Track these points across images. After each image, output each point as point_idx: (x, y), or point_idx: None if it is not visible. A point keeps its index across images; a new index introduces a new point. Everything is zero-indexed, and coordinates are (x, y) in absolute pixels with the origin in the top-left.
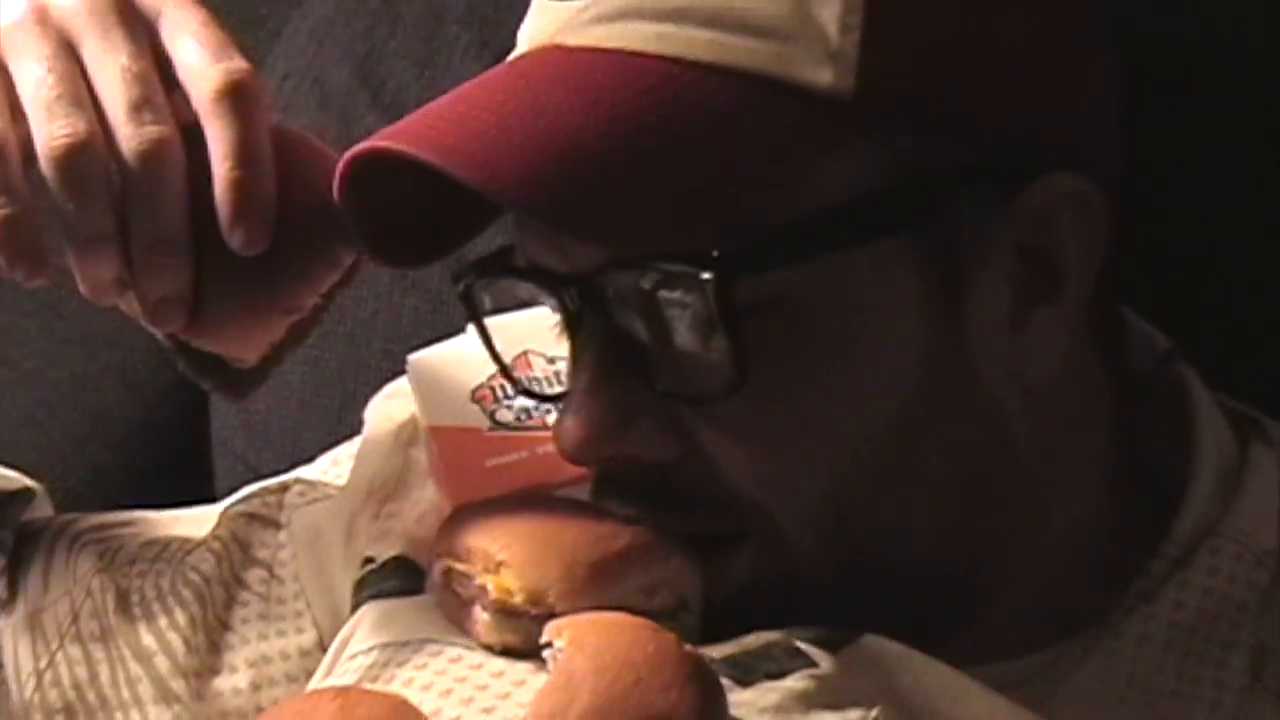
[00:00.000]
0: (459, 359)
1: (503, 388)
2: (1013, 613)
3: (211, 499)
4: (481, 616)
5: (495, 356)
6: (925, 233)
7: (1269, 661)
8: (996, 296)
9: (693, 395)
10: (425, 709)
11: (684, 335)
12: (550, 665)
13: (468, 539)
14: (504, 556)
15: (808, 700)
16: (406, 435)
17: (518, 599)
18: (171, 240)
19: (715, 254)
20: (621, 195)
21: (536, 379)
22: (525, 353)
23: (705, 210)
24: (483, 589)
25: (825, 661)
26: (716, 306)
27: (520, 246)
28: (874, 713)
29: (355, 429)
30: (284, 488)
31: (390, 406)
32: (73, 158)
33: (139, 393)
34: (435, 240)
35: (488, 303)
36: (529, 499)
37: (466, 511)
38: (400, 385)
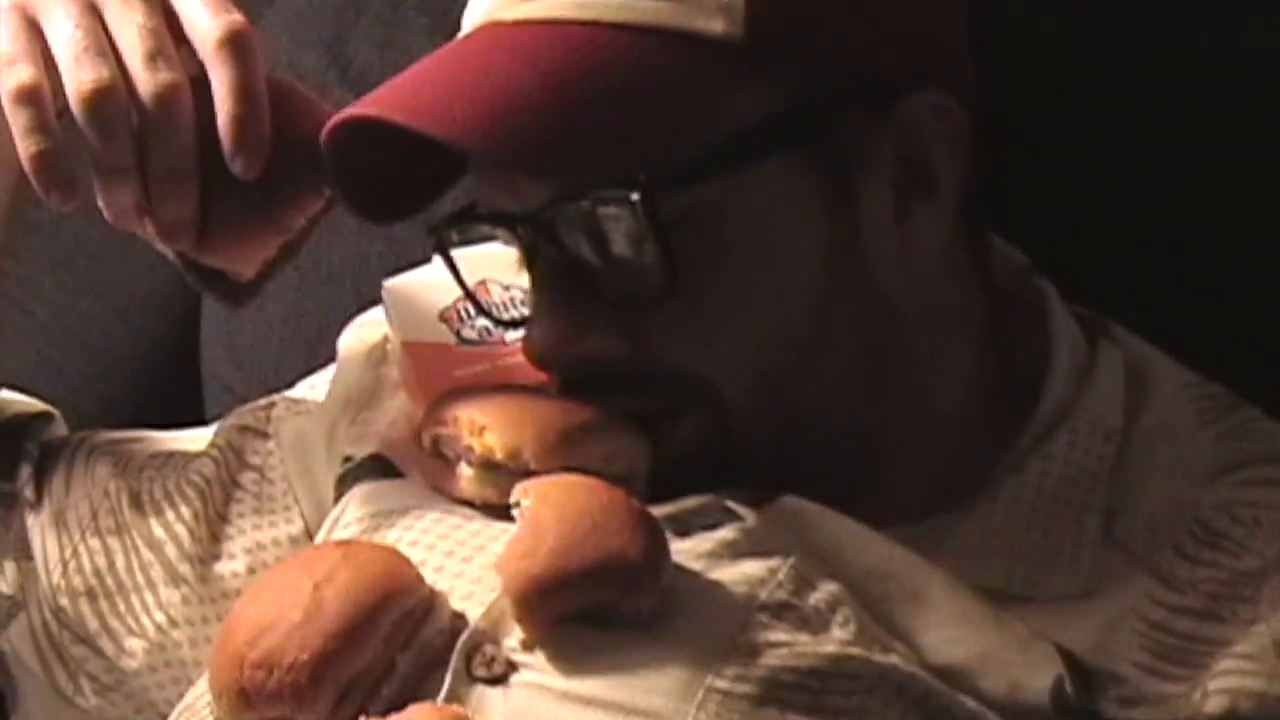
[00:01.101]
0: (428, 285)
1: (466, 310)
2: (905, 482)
3: (203, 425)
4: (465, 473)
5: (461, 283)
6: (815, 149)
7: (1117, 521)
8: (881, 198)
9: (635, 299)
10: (413, 560)
11: (622, 251)
12: (519, 520)
13: (454, 410)
14: (486, 422)
15: (735, 548)
16: (377, 356)
17: (499, 455)
18: (182, 170)
19: (641, 178)
20: (559, 137)
21: (495, 304)
22: (484, 281)
23: (629, 144)
24: (469, 448)
25: (751, 517)
26: (645, 221)
27: (480, 197)
28: (790, 560)
29: (329, 360)
30: (271, 405)
31: (362, 332)
32: (98, 101)
33: (139, 336)
34: (404, 201)
35: (455, 238)
36: (503, 385)
37: (449, 394)
38: (371, 315)
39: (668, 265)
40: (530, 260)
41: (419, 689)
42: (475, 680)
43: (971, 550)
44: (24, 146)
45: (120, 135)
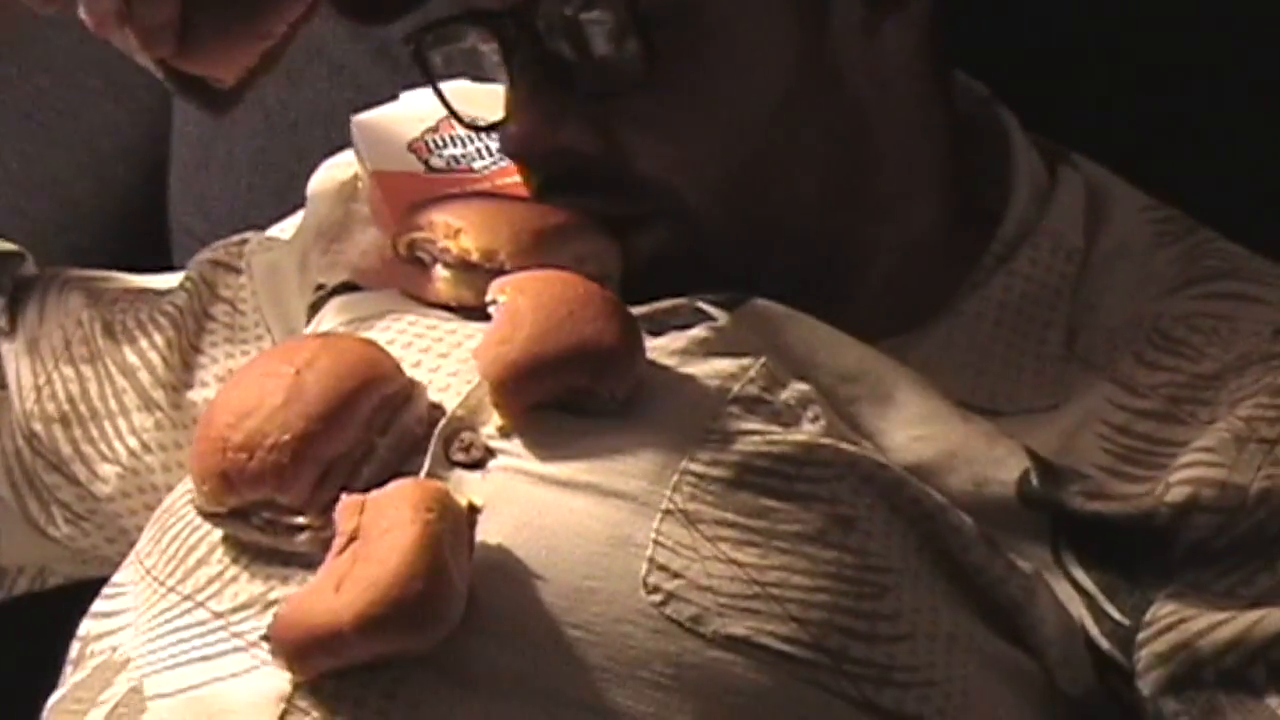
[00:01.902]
0: (396, 118)
1: (434, 140)
2: (872, 297)
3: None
4: (442, 274)
5: (444, 101)
6: None
7: (1079, 336)
8: (851, 8)
9: (611, 92)
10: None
11: (600, 47)
12: (495, 313)
13: (430, 215)
14: (461, 225)
15: (707, 346)
16: (348, 192)
17: (474, 256)
18: None
19: None
20: None
21: (460, 136)
22: (446, 118)
23: None
24: (445, 250)
25: (723, 318)
26: (625, 11)
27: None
28: (762, 359)
29: (298, 208)
30: (243, 241)
31: (333, 171)
32: None
33: (109, 186)
34: (386, 5)
35: (438, 62)
36: (478, 192)
37: (425, 202)
38: (341, 157)
39: (647, 56)
40: (508, 56)
41: (398, 475)
42: (454, 465)
43: (936, 364)
44: None
45: None
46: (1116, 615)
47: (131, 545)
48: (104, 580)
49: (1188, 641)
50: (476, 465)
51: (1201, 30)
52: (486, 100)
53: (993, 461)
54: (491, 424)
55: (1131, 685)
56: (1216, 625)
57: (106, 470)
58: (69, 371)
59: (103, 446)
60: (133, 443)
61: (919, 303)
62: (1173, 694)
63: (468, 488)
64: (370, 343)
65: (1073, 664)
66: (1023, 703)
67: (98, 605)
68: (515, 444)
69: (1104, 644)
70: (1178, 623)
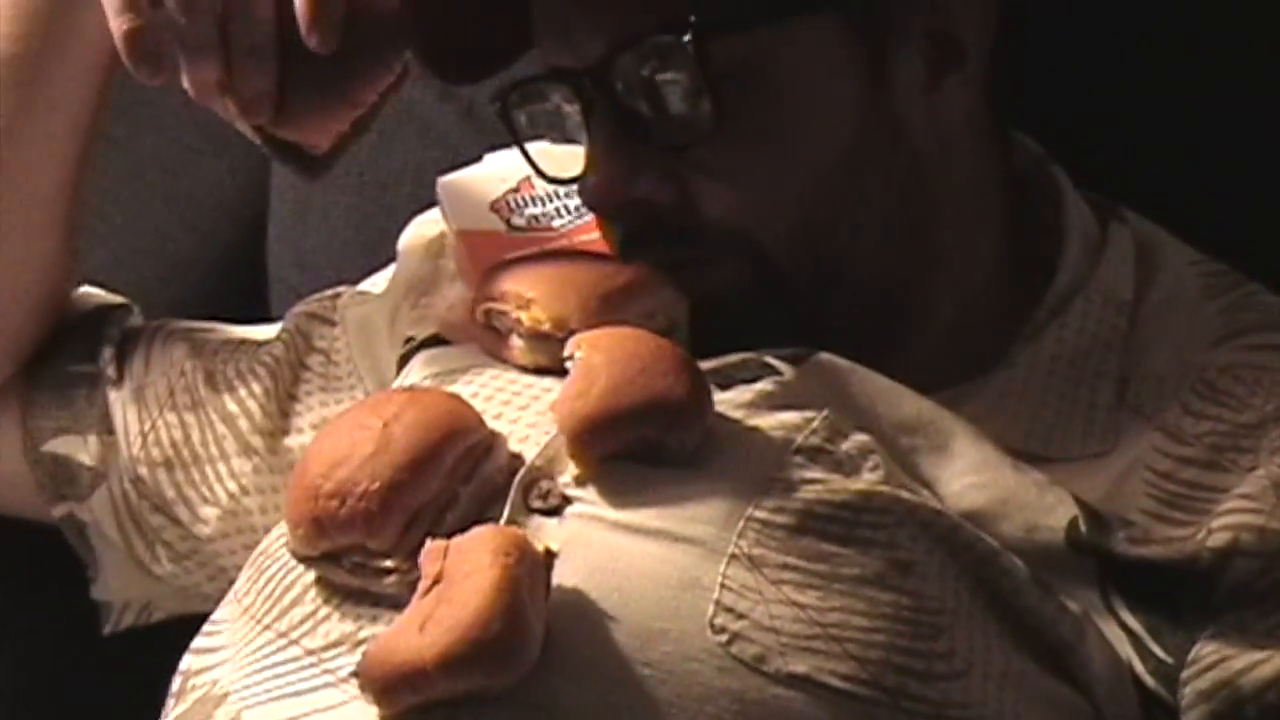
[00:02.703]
0: (479, 179)
1: (515, 200)
2: (930, 346)
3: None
4: (517, 343)
5: (528, 158)
6: (851, 16)
7: (1129, 385)
8: (912, 67)
9: (684, 143)
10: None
11: (673, 101)
12: (572, 369)
13: (502, 285)
14: (532, 295)
15: (773, 399)
16: (435, 248)
17: (546, 326)
18: (262, 47)
19: (692, 19)
20: None
21: (539, 196)
22: (528, 177)
23: None
24: (518, 321)
25: (788, 372)
26: (695, 65)
27: (542, 55)
28: (825, 411)
29: (389, 262)
30: (337, 295)
31: (422, 228)
32: None
33: (211, 241)
34: (475, 66)
35: (523, 121)
36: (545, 254)
37: (497, 269)
38: (430, 214)
39: (715, 111)
40: (587, 113)
41: (480, 520)
42: (532, 512)
43: (991, 414)
44: (116, 25)
45: (204, 13)
46: (1161, 654)
47: (231, 584)
48: (205, 616)
49: (1230, 679)
50: (553, 512)
51: (1245, 93)
52: (566, 160)
53: (1043, 509)
54: (568, 473)
55: (1175, 718)
56: (1257, 664)
57: (207, 512)
58: (172, 418)
59: (204, 490)
60: (232, 486)
61: (975, 354)
62: None
63: (545, 533)
64: (455, 396)
65: (1120, 701)
66: None
67: (198, 641)
68: (590, 492)
69: (1150, 681)
70: (1220, 661)
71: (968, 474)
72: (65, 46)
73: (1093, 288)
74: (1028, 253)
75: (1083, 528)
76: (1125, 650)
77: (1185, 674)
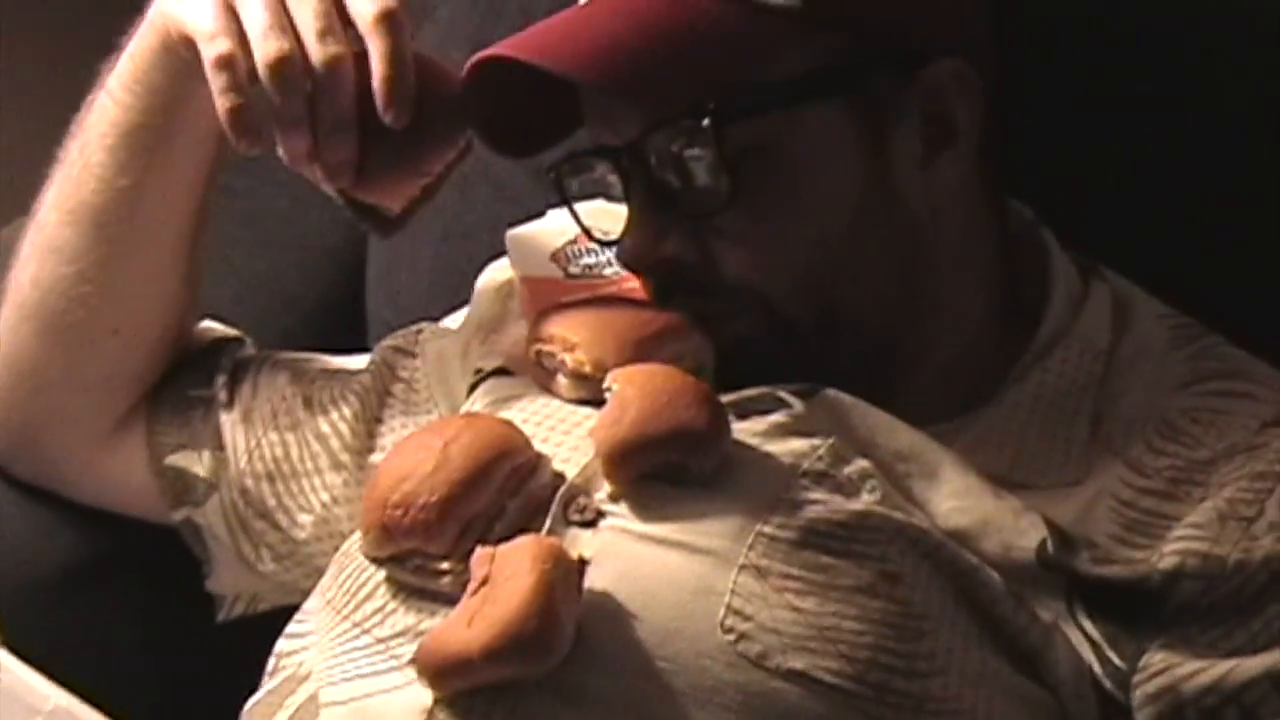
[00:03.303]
0: (542, 232)
1: (572, 251)
2: (925, 387)
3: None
4: (563, 381)
5: (571, 210)
6: (855, 101)
7: (1102, 425)
8: (909, 145)
9: (706, 212)
10: (524, 432)
11: (697, 176)
12: (609, 400)
13: (551, 329)
14: (576, 339)
15: (784, 429)
16: (505, 291)
17: (587, 368)
18: (345, 122)
19: (710, 106)
20: (651, 74)
21: (593, 248)
22: (578, 236)
23: (702, 79)
24: (563, 363)
25: (798, 405)
26: (713, 145)
27: (589, 135)
28: (830, 440)
29: (468, 301)
30: (419, 330)
31: (494, 273)
32: (280, 68)
33: (317, 281)
34: (529, 142)
35: (575, 189)
36: (591, 300)
37: (547, 313)
38: (501, 262)
39: (731, 184)
40: (625, 183)
41: (525, 530)
42: (570, 524)
43: (980, 444)
44: (220, 103)
45: (296, 94)
46: (1117, 660)
47: None
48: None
49: (1174, 685)
50: (589, 524)
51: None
52: (621, 217)
53: (1018, 531)
54: (603, 490)
55: (1128, 718)
56: (1198, 672)
57: (304, 519)
58: (275, 437)
59: (301, 500)
60: (325, 497)
61: (966, 393)
62: None
63: (581, 543)
64: (506, 422)
65: (1081, 699)
66: None
67: (290, 628)
68: (622, 507)
69: (1107, 684)
70: (1166, 669)
71: (953, 498)
72: (183, 119)
73: (1073, 337)
74: (1017, 304)
75: (1051, 549)
76: (1087, 655)
77: (1136, 678)
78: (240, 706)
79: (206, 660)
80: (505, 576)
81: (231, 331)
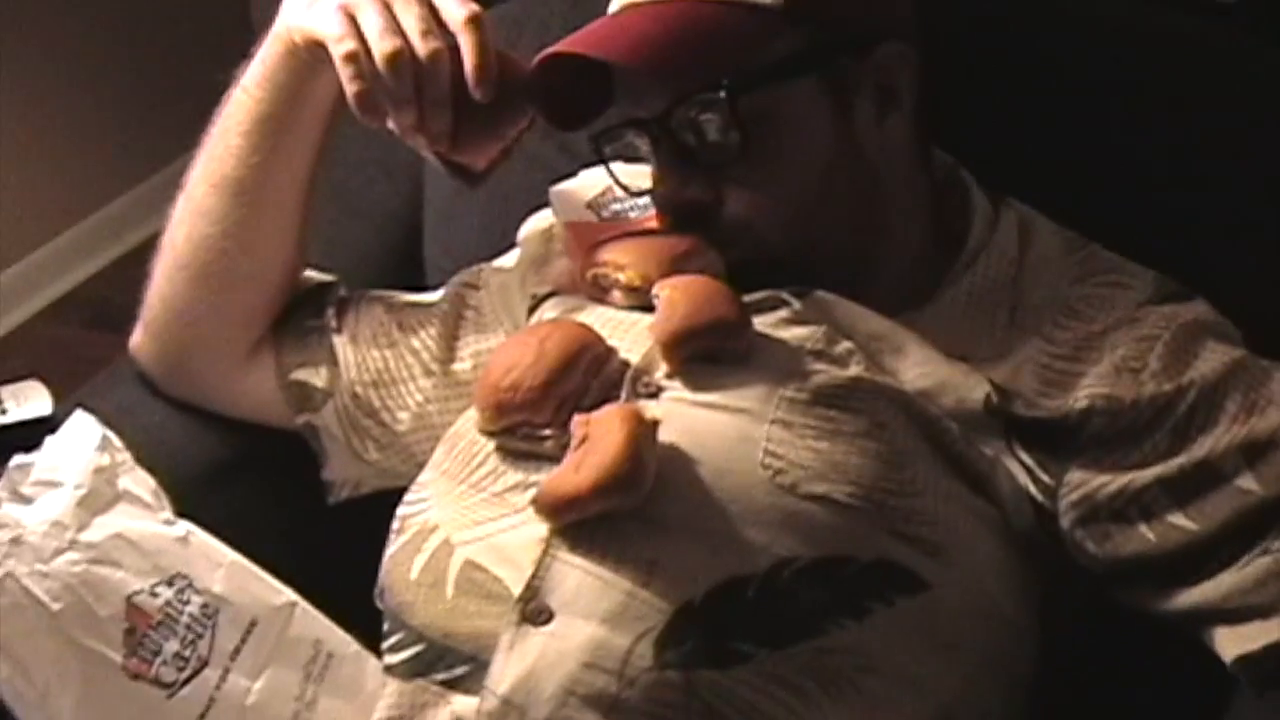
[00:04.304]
0: (578, 186)
1: (602, 200)
2: (883, 289)
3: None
4: (617, 294)
5: (613, 175)
6: (824, 77)
7: (1017, 312)
8: (867, 110)
9: (721, 163)
10: None
11: (713, 135)
12: (658, 304)
13: (603, 256)
14: (625, 261)
15: (789, 321)
16: (547, 235)
17: (637, 281)
18: (443, 101)
19: (725, 82)
20: (677, 61)
21: (619, 197)
22: (610, 186)
23: (715, 63)
24: (616, 280)
25: (797, 303)
26: (729, 111)
27: (621, 112)
28: (823, 328)
29: (510, 246)
30: (480, 270)
31: (535, 223)
32: (393, 60)
33: (383, 240)
34: (578, 118)
35: (608, 151)
36: (629, 233)
37: (598, 243)
38: (541, 213)
39: (742, 141)
40: (654, 146)
41: (605, 403)
42: (639, 396)
43: (928, 331)
44: (349, 89)
45: (406, 81)
46: (1046, 480)
47: (419, 467)
48: (394, 491)
49: (1090, 494)
50: (653, 396)
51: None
52: (635, 174)
53: (968, 388)
54: (661, 371)
55: (1056, 523)
56: (1107, 483)
57: (403, 416)
58: (376, 354)
59: (400, 400)
60: (419, 397)
61: (915, 294)
62: (1080, 527)
63: (649, 410)
64: (583, 324)
65: (1020, 511)
66: (989, 533)
67: (408, 497)
68: (676, 383)
69: (1039, 497)
70: (1083, 483)
71: (917, 367)
72: (302, 109)
73: (991, 249)
74: (947, 227)
75: (994, 400)
76: (1022, 479)
77: (1061, 492)
78: (356, 576)
79: (328, 534)
80: (600, 434)
81: (328, 277)
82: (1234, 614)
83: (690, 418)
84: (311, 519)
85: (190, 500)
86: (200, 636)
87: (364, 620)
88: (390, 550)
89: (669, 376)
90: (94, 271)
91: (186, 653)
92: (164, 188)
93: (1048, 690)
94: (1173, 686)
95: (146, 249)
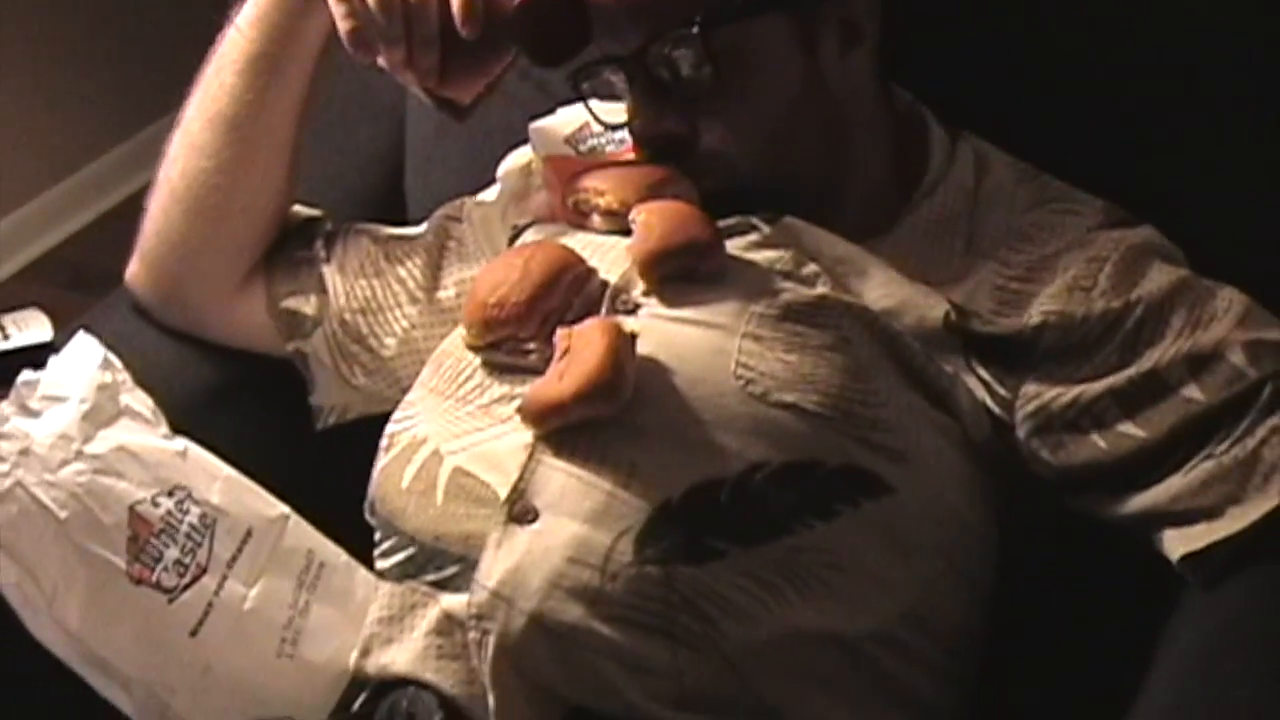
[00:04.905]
0: (556, 123)
1: (579, 136)
2: (848, 214)
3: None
4: (597, 219)
5: (591, 111)
6: (791, 14)
7: (973, 240)
8: (831, 45)
9: (695, 95)
10: None
11: (686, 70)
12: (635, 228)
13: (584, 184)
14: (605, 188)
15: (759, 245)
16: (526, 170)
17: (616, 206)
18: (431, 37)
19: (697, 18)
20: None
21: (595, 133)
22: (586, 123)
23: (689, 4)
24: (596, 206)
25: (766, 228)
26: (701, 45)
27: (598, 47)
28: (792, 251)
29: (490, 182)
30: (462, 203)
31: (515, 159)
32: (385, 2)
33: (367, 178)
34: (558, 54)
35: (586, 88)
36: (607, 163)
37: (578, 173)
38: (520, 150)
39: (714, 74)
40: (630, 81)
41: (586, 319)
42: (617, 312)
43: (891, 256)
44: (342, 26)
45: (396, 19)
46: (1002, 393)
47: (403, 392)
48: (378, 417)
49: (1044, 406)
50: (631, 312)
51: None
52: (612, 111)
53: (928, 307)
54: (639, 289)
55: (1012, 434)
56: (1060, 395)
57: (389, 341)
58: (364, 283)
59: (387, 327)
60: (405, 324)
61: (878, 221)
62: (1036, 437)
63: (628, 325)
64: (564, 246)
65: (978, 424)
66: (949, 444)
67: (396, 415)
68: (653, 300)
69: (997, 410)
70: (1037, 395)
71: (880, 288)
72: (294, 48)
73: (949, 180)
74: (907, 160)
75: (953, 317)
76: (980, 393)
77: (1017, 404)
78: (343, 498)
79: (316, 457)
80: (582, 345)
81: (316, 211)
82: (1181, 516)
83: (666, 332)
84: (299, 444)
85: (183, 424)
86: (199, 545)
87: (351, 538)
88: (380, 464)
89: (646, 294)
90: (71, 233)
91: (186, 560)
92: (141, 151)
93: (1007, 600)
94: (1125, 592)
95: (125, 211)
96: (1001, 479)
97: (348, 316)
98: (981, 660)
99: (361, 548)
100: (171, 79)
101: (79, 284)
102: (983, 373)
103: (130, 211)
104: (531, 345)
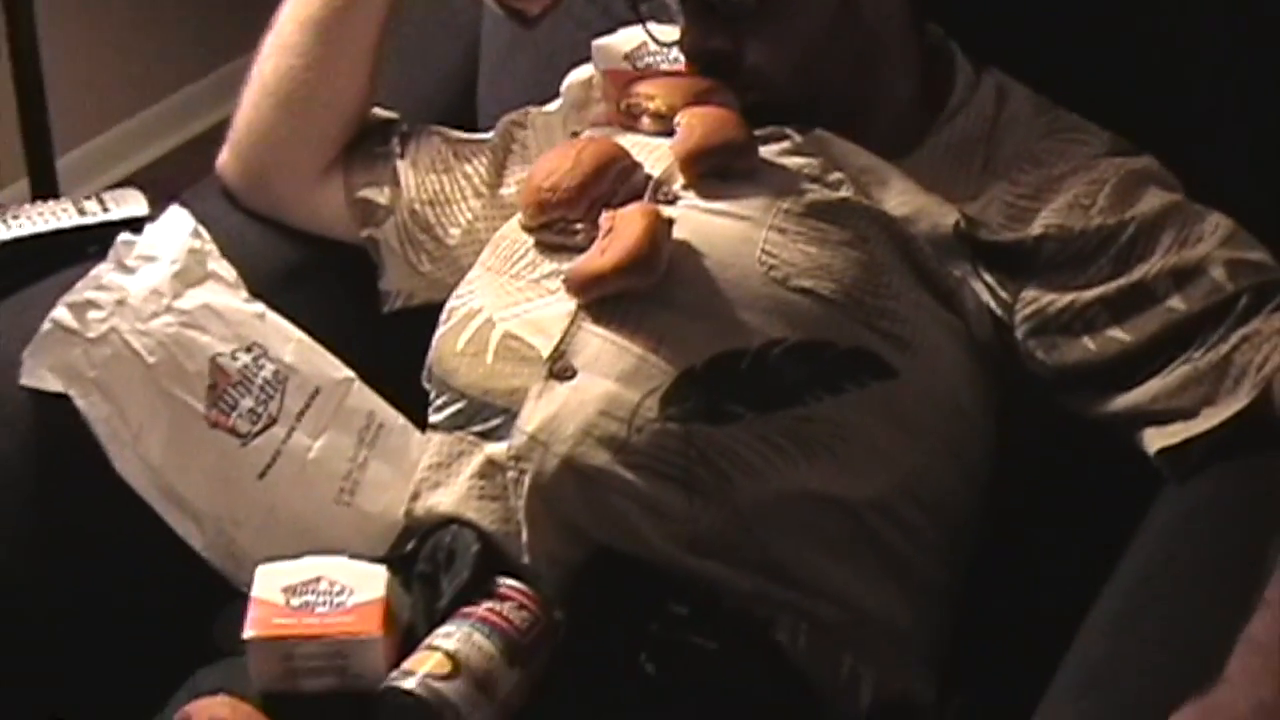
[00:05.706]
0: (617, 41)
1: (638, 53)
2: (877, 133)
3: None
4: (646, 121)
5: (648, 31)
6: None
7: (990, 162)
8: None
9: (740, 15)
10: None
11: None
12: (679, 128)
13: (637, 89)
14: (656, 94)
15: (790, 152)
16: (587, 84)
17: (664, 110)
18: None
19: None
20: None
21: (652, 51)
22: (644, 42)
23: None
24: (646, 108)
25: (798, 138)
26: None
27: None
28: (820, 159)
29: (553, 97)
30: (526, 111)
31: (577, 74)
32: None
33: (443, 89)
34: None
35: (645, 9)
36: (659, 74)
37: (631, 81)
38: (580, 68)
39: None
40: (683, 4)
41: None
42: (658, 202)
43: (913, 172)
44: None
45: None
46: (1005, 296)
47: (463, 275)
48: (440, 305)
49: (1042, 309)
50: (670, 203)
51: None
52: (667, 32)
53: (941, 215)
54: (678, 183)
55: (1011, 334)
56: (1055, 300)
57: (454, 231)
58: (434, 178)
59: (453, 218)
60: (469, 215)
61: (902, 141)
62: (1032, 337)
63: (667, 213)
64: (614, 142)
65: (981, 323)
66: (953, 339)
67: (458, 290)
68: (691, 194)
69: (998, 311)
70: (1035, 299)
71: (898, 196)
72: None
73: (971, 107)
74: (934, 86)
75: (963, 226)
76: (985, 295)
77: (1017, 307)
78: (404, 374)
79: (382, 337)
80: (624, 225)
81: (394, 114)
82: (1160, 415)
83: (700, 221)
84: (367, 325)
85: (262, 297)
86: (271, 397)
87: (408, 410)
88: (439, 332)
89: (685, 188)
90: (157, 157)
91: (259, 409)
92: (223, 83)
93: (1002, 493)
94: (1109, 487)
95: (207, 139)
96: (999, 375)
97: (417, 207)
98: (975, 553)
99: (417, 419)
100: (254, 21)
101: (163, 208)
102: (987, 277)
103: (207, 145)
104: (579, 226)
